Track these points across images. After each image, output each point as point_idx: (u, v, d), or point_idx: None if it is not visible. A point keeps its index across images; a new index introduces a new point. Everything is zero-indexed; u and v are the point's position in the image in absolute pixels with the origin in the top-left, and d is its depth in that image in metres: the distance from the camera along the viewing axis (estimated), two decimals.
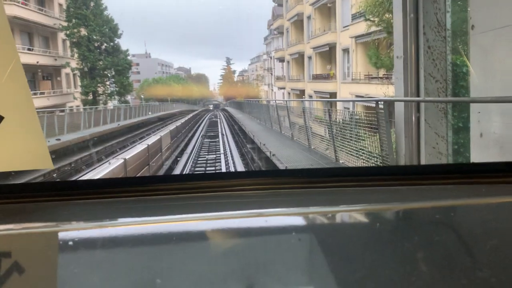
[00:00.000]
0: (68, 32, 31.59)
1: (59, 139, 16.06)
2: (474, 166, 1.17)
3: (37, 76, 29.27)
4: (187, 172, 14.54)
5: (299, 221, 0.85)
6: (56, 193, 0.97)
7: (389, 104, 5.65)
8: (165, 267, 0.61)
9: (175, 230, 0.79)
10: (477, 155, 3.29)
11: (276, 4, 45.97)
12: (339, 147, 7.95)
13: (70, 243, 0.76)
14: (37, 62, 27.37)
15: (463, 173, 1.02)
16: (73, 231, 0.81)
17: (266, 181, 1.01)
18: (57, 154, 14.41)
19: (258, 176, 1.06)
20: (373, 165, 6.17)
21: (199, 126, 34.52)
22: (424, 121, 4.01)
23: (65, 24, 31.68)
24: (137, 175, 9.50)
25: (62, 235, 0.81)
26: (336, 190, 0.98)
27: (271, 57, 55.04)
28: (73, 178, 11.82)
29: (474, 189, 0.98)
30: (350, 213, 0.86)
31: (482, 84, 3.04)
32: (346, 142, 7.58)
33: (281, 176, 1.05)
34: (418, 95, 3.99)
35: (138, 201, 0.95)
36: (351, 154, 7.25)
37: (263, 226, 0.81)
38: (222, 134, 26.21)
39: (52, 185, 1.05)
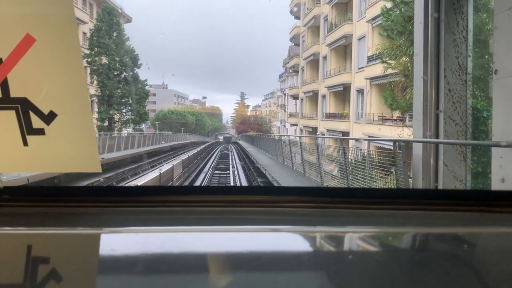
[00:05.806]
0: (89, 59, 32.51)
1: None
2: (495, 193, 1.14)
3: None
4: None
5: (306, 239, 0.83)
6: (92, 198, 0.97)
7: (406, 146, 5.63)
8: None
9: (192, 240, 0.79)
10: None
11: (293, 44, 47.04)
12: (352, 185, 7.89)
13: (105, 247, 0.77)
14: None
15: (482, 200, 0.99)
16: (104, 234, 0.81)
17: (281, 198, 0.99)
18: (65, 179, 14.47)
19: (272, 193, 1.04)
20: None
21: (210, 157, 34.63)
22: (443, 164, 3.97)
23: (87, 51, 32.66)
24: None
25: (97, 238, 0.81)
26: (346, 211, 0.95)
27: (285, 94, 55.74)
28: None
29: (494, 217, 0.94)
30: (359, 234, 0.84)
31: (506, 128, 3.02)
32: (360, 181, 7.52)
33: (295, 195, 1.02)
34: (437, 138, 3.97)
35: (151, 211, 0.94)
36: None
37: (272, 243, 0.79)
38: (233, 167, 26.21)
39: (90, 190, 1.05)
